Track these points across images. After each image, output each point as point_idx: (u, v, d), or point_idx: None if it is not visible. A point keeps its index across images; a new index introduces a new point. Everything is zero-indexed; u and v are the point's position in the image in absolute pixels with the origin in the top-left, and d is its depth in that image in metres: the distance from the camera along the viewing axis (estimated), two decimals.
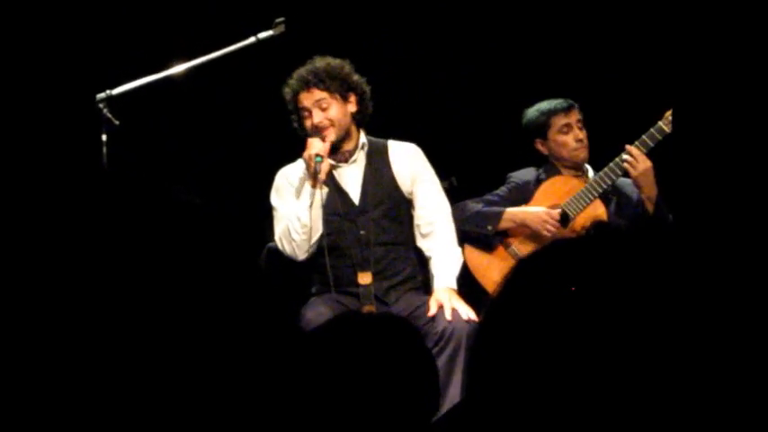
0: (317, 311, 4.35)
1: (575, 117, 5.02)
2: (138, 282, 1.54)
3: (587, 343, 1.33)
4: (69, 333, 1.48)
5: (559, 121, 5.02)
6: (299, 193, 4.56)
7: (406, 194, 4.65)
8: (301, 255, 4.53)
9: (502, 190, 5.10)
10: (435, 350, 4.17)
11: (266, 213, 4.78)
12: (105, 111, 4.48)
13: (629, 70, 5.52)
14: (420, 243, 4.65)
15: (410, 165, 4.68)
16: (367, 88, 4.65)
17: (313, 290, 4.61)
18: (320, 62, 4.60)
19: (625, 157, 4.85)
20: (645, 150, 4.82)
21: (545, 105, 5.07)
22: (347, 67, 4.62)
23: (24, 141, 5.20)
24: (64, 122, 5.23)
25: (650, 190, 4.84)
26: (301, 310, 4.41)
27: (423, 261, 4.64)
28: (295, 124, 4.65)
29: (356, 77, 4.63)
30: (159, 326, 1.53)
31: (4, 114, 5.14)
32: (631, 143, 4.85)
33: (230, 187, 5.49)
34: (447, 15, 5.74)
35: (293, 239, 4.51)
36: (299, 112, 4.60)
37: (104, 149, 4.45)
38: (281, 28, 4.61)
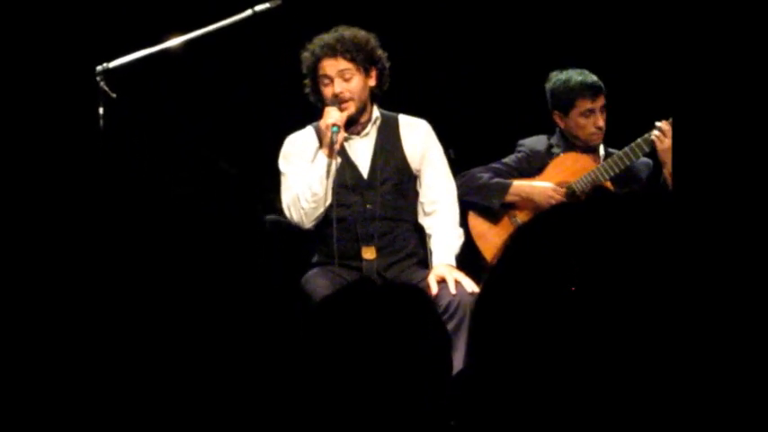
0: (318, 283, 4.34)
1: (600, 103, 4.98)
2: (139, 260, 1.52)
3: (586, 308, 1.32)
4: (77, 295, 1.47)
5: (585, 104, 4.98)
6: (310, 161, 4.54)
7: (414, 171, 4.64)
8: (308, 223, 4.52)
9: (511, 158, 5.08)
10: None
11: (268, 183, 4.77)
12: (102, 84, 4.47)
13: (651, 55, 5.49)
14: (422, 220, 4.65)
15: (420, 142, 4.67)
16: (387, 64, 4.63)
17: (314, 260, 4.60)
18: (348, 32, 4.58)
19: (656, 131, 4.83)
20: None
21: (574, 80, 4.99)
22: (373, 40, 4.61)
23: (21, 117, 5.17)
24: (61, 95, 5.21)
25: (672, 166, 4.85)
26: (301, 281, 4.41)
27: (424, 238, 4.64)
28: (307, 89, 4.63)
29: (380, 52, 4.62)
30: (164, 300, 1.52)
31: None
32: (649, 125, 4.84)
33: (228, 159, 5.46)
34: None
35: (302, 207, 4.50)
36: (318, 79, 4.57)
37: (101, 122, 4.43)
38: (278, 1, 4.58)
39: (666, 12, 5.21)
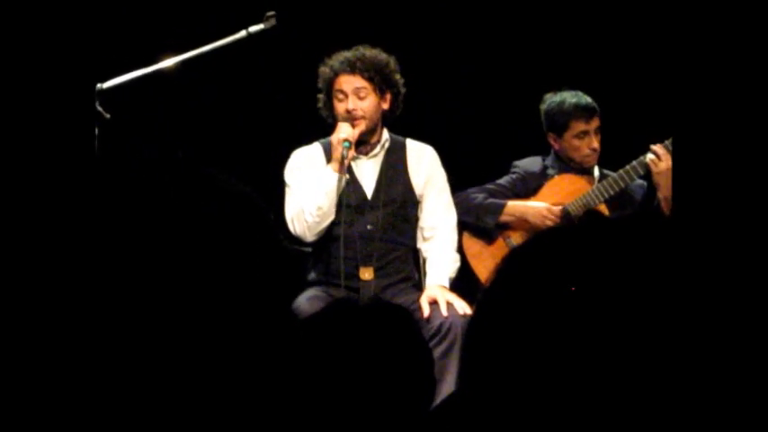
0: (312, 304, 4.34)
1: (594, 125, 4.98)
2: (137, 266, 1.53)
3: (579, 331, 1.33)
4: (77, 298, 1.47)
5: (579, 126, 4.97)
6: (317, 175, 4.54)
7: (417, 196, 4.65)
8: (311, 237, 4.53)
9: (506, 179, 5.08)
10: (432, 344, 4.16)
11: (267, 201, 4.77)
12: (96, 104, 4.47)
13: (648, 73, 5.51)
14: (420, 245, 4.66)
15: (425, 167, 4.68)
16: (403, 90, 4.64)
17: (310, 277, 4.60)
18: (369, 51, 4.60)
19: (651, 155, 4.84)
20: (670, 150, 4.82)
21: (569, 102, 4.99)
22: (393, 63, 4.62)
23: (18, 133, 5.17)
24: (57, 115, 5.21)
25: (668, 190, 4.84)
26: (295, 302, 4.40)
27: (420, 263, 4.64)
28: (320, 104, 4.64)
29: (398, 76, 4.63)
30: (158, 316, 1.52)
31: None
32: (644, 148, 4.85)
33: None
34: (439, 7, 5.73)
35: (306, 220, 4.50)
36: (333, 94, 4.59)
37: (96, 143, 4.43)
38: (273, 21, 4.59)
39: (662, 32, 5.24)
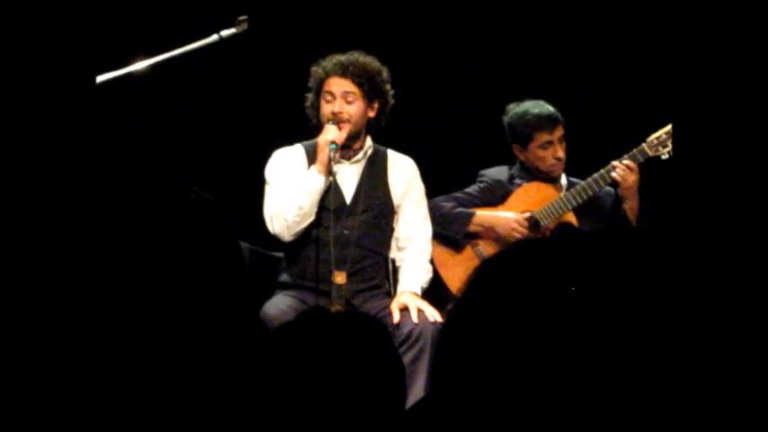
0: (281, 309, 4.33)
1: (558, 134, 4.99)
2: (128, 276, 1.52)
3: (549, 343, 1.33)
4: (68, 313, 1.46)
5: (542, 137, 4.98)
6: (301, 175, 4.53)
7: (395, 206, 4.65)
8: (288, 236, 4.52)
9: (473, 188, 5.09)
10: (402, 350, 4.17)
11: (230, 208, 4.75)
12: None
13: (619, 84, 5.53)
14: (394, 254, 4.66)
15: (405, 178, 4.68)
16: (391, 101, 4.64)
17: (281, 278, 4.59)
18: (363, 57, 4.60)
19: (618, 165, 4.86)
20: (641, 159, 4.85)
21: (531, 113, 4.99)
22: (385, 73, 4.62)
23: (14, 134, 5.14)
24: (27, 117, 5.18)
25: (634, 203, 4.89)
26: (263, 307, 4.39)
27: (393, 272, 4.64)
28: (307, 103, 4.62)
29: (388, 87, 4.63)
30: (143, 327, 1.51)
31: None
32: (611, 155, 4.88)
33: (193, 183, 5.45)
34: (412, 9, 5.74)
35: (285, 219, 4.49)
36: (322, 95, 4.58)
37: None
38: (245, 26, 4.58)
39: (629, 39, 5.27)
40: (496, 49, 5.71)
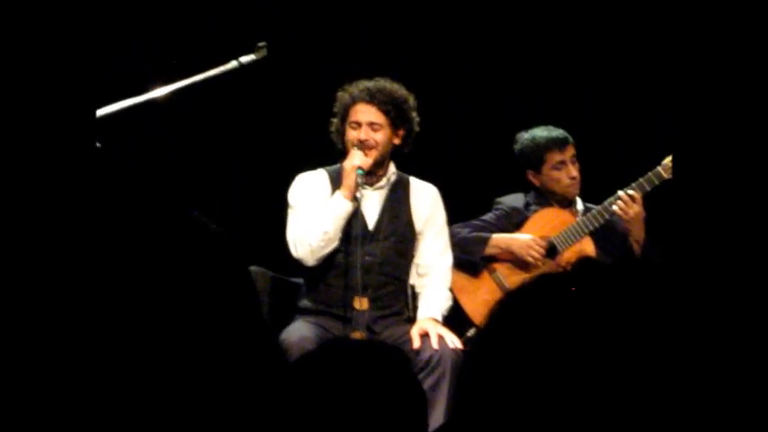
0: (301, 336, 4.33)
1: (569, 153, 4.99)
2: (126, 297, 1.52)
3: (572, 377, 1.33)
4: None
5: (554, 157, 4.98)
6: (326, 200, 4.52)
7: (417, 233, 4.64)
8: (312, 261, 4.51)
9: (489, 216, 5.09)
10: (421, 376, 4.16)
11: (250, 234, 4.78)
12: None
13: (630, 109, 5.53)
14: (414, 280, 4.65)
15: (427, 205, 4.68)
16: (416, 129, 4.63)
17: (301, 304, 4.58)
18: (390, 84, 4.60)
19: (619, 202, 4.85)
20: (641, 194, 4.83)
21: (540, 137, 5.01)
22: (411, 100, 4.62)
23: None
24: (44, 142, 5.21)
25: (639, 234, 4.87)
26: (283, 333, 4.39)
27: (413, 298, 4.64)
28: (332, 128, 4.62)
29: (414, 114, 4.62)
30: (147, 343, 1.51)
31: None
32: (626, 177, 4.87)
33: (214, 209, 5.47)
34: (429, 40, 5.75)
35: (310, 244, 4.48)
36: (347, 121, 4.57)
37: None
38: (264, 52, 4.59)
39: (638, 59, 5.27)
40: (511, 78, 5.72)
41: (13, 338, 1.45)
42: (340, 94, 4.61)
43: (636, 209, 4.83)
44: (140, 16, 5.48)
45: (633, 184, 4.86)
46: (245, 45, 4.61)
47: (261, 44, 4.58)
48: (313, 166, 4.70)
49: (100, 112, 4.49)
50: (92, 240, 1.50)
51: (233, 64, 4.57)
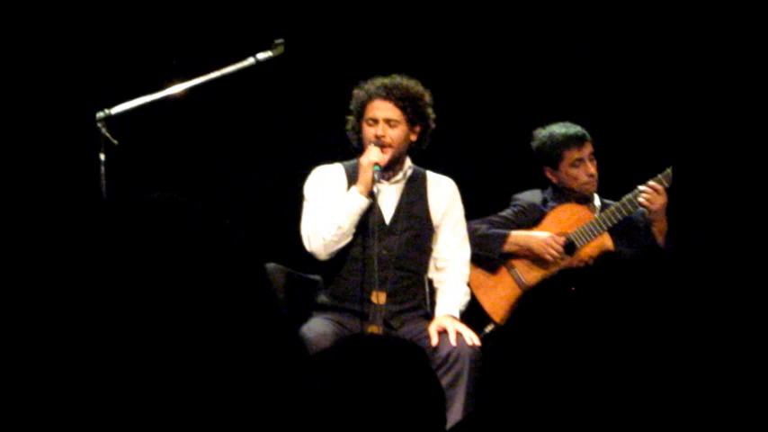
0: (319, 333, 4.32)
1: (587, 150, 4.98)
2: (137, 303, 1.52)
3: (594, 374, 1.32)
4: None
5: (572, 155, 4.97)
6: (342, 195, 4.52)
7: (434, 226, 4.63)
8: (325, 255, 4.50)
9: (507, 212, 5.08)
10: (439, 373, 4.15)
11: (267, 231, 4.78)
12: (104, 130, 4.46)
13: (647, 105, 5.52)
14: (432, 274, 4.64)
15: (445, 199, 4.66)
16: (433, 125, 4.63)
17: (319, 299, 4.58)
18: (406, 81, 4.57)
19: (644, 189, 4.84)
20: (667, 185, 4.83)
21: (558, 134, 5.00)
22: (427, 97, 4.60)
23: (22, 158, 5.18)
24: (62, 141, 5.22)
25: (663, 224, 4.87)
26: (302, 329, 4.38)
27: (430, 293, 4.63)
28: (349, 126, 4.62)
29: (430, 110, 4.60)
30: (161, 344, 1.51)
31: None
32: (642, 172, 4.85)
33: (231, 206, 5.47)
34: (446, 37, 5.74)
35: (323, 238, 4.47)
36: (364, 118, 4.56)
37: (102, 169, 4.43)
38: (281, 49, 4.59)
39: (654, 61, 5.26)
40: (529, 74, 5.71)
41: (30, 338, 1.45)
42: (356, 91, 4.60)
43: (662, 199, 4.83)
44: (157, 13, 5.48)
45: (658, 175, 4.86)
46: (262, 42, 4.61)
47: (278, 41, 4.58)
48: (330, 162, 4.69)
49: (117, 109, 4.51)
50: (105, 243, 1.50)
51: (250, 60, 4.58)
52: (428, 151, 4.78)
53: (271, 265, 4.61)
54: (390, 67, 4.71)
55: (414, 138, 4.57)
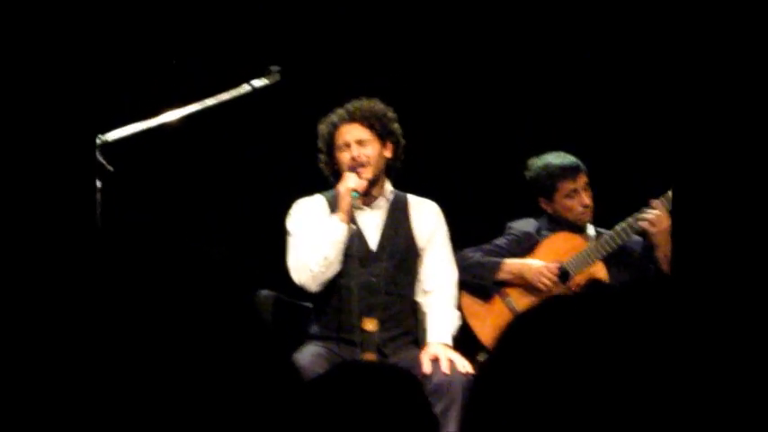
0: (312, 360, 4.32)
1: (582, 181, 4.99)
2: (134, 335, 1.52)
3: (583, 401, 1.32)
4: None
5: (566, 186, 4.98)
6: (324, 225, 4.53)
7: (420, 249, 4.64)
8: (315, 287, 4.51)
9: (501, 240, 5.08)
10: (431, 401, 4.14)
11: (261, 259, 4.78)
12: (99, 157, 4.47)
13: (641, 133, 5.53)
14: (420, 298, 4.64)
15: (429, 221, 4.68)
16: (402, 140, 4.65)
17: (312, 331, 4.58)
18: (366, 102, 4.62)
19: (647, 214, 4.81)
20: (668, 207, 4.77)
21: (552, 165, 5.00)
22: (390, 113, 4.64)
23: (17, 188, 5.18)
24: (57, 167, 5.22)
25: (667, 248, 4.77)
26: (295, 356, 4.38)
27: (419, 317, 4.62)
28: (321, 164, 4.64)
29: (396, 125, 4.65)
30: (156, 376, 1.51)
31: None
32: (638, 204, 4.85)
33: (224, 234, 5.48)
34: (439, 63, 5.76)
35: (311, 270, 4.48)
36: (335, 147, 4.59)
37: (98, 196, 4.43)
38: (277, 76, 4.60)
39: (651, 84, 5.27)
40: (523, 102, 5.73)
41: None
42: (320, 126, 4.64)
43: (665, 222, 4.76)
44: (153, 39, 5.50)
45: (662, 197, 4.81)
46: (257, 69, 4.63)
47: (274, 68, 4.59)
48: (326, 188, 4.71)
49: (112, 136, 4.51)
50: (99, 270, 1.51)
51: (245, 88, 4.59)
52: (422, 178, 4.80)
53: (263, 293, 4.61)
54: (385, 95, 4.74)
55: (388, 154, 4.61)
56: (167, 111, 4.57)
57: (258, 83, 4.59)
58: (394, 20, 5.71)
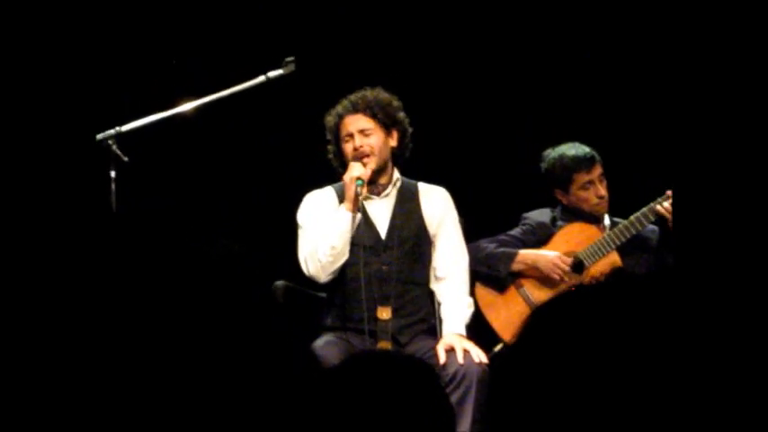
0: (328, 350, 4.33)
1: (597, 172, 4.98)
2: (147, 323, 1.52)
3: (604, 391, 1.32)
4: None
5: (582, 177, 4.98)
6: (331, 215, 4.54)
7: (431, 236, 4.64)
8: (324, 277, 4.52)
9: (516, 231, 5.08)
10: (447, 390, 4.14)
11: (277, 250, 4.77)
12: (114, 147, 4.48)
13: (655, 124, 5.52)
14: (434, 285, 4.64)
15: (439, 207, 4.68)
16: (409, 128, 4.66)
17: (326, 322, 4.58)
18: (370, 92, 4.63)
19: (665, 204, 4.81)
20: None
21: (567, 156, 4.99)
22: (395, 102, 4.65)
23: (33, 179, 5.20)
24: (71, 159, 5.24)
25: None
26: (312, 346, 4.39)
27: (434, 304, 4.62)
28: (330, 155, 4.66)
29: (402, 114, 4.66)
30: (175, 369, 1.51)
31: (10, 147, 5.15)
32: (652, 194, 4.83)
33: (240, 225, 5.48)
34: (455, 55, 5.75)
35: (319, 260, 4.49)
36: (341, 138, 4.61)
37: (113, 187, 4.44)
38: (291, 67, 4.61)
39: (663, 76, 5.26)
40: (538, 93, 5.72)
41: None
42: (326, 118, 4.65)
43: None
44: (168, 30, 5.51)
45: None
46: (273, 60, 4.63)
47: (289, 59, 4.60)
48: (339, 180, 4.70)
49: (127, 127, 4.52)
50: (116, 259, 1.51)
51: (260, 78, 4.60)
52: (438, 169, 4.78)
53: (279, 283, 4.62)
54: (399, 87, 4.74)
55: (394, 143, 4.62)
56: (182, 102, 4.58)
57: (273, 73, 4.59)
58: (410, 9, 5.70)
